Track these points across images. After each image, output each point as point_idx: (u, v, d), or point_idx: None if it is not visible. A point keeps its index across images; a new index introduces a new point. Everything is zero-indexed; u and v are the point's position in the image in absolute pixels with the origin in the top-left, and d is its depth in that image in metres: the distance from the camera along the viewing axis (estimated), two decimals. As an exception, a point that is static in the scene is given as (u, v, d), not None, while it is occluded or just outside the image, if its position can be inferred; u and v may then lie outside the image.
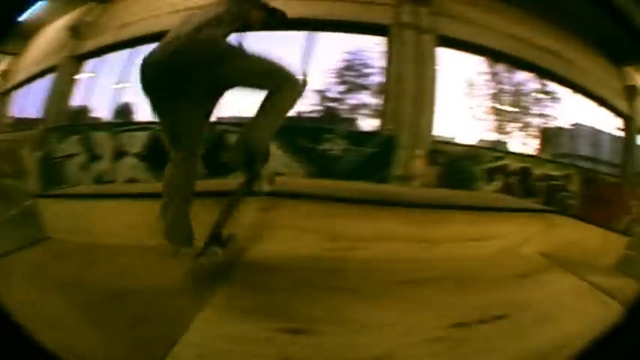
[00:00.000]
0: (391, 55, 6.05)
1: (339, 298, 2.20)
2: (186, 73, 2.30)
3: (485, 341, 2.06)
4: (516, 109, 7.67)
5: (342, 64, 6.41)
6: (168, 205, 2.48)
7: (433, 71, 6.08)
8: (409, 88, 5.85)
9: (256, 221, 2.96)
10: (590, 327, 2.58)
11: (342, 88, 6.39)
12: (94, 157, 5.37)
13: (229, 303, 2.10)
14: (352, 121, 6.36)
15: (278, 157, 5.13)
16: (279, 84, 2.43)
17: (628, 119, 10.35)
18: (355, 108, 6.31)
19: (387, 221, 3.17)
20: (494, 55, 7.43)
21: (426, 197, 4.42)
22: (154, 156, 5.24)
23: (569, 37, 8.78)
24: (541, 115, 8.10)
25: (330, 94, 6.38)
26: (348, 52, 6.44)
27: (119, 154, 5.38)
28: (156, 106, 2.45)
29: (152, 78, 2.37)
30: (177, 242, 2.50)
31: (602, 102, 9.61)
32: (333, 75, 6.43)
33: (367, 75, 6.26)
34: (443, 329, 2.04)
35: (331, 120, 6.29)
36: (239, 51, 2.51)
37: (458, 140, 6.70)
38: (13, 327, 0.98)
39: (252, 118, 2.49)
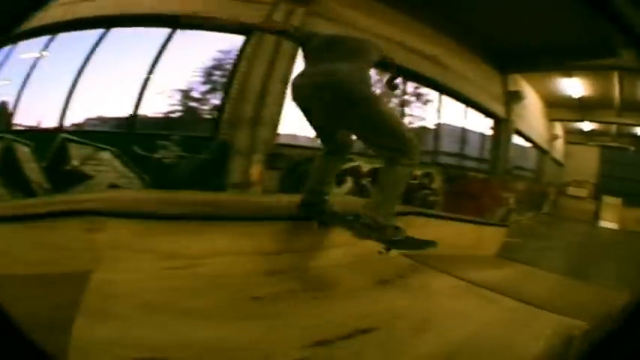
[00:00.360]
0: (242, 55, 6.26)
1: (189, 321, 2.14)
2: (323, 102, 3.02)
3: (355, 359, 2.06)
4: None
5: (208, 64, 6.62)
6: (313, 187, 3.54)
7: (288, 72, 6.34)
8: (254, 90, 6.14)
9: (88, 244, 2.91)
10: (479, 327, 2.72)
11: (204, 88, 6.54)
12: None
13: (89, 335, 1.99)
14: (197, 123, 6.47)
15: (114, 168, 5.48)
16: (397, 147, 2.90)
17: (502, 121, 12.15)
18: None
19: (224, 234, 3.26)
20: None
21: (262, 205, 4.61)
22: (6, 170, 5.38)
23: (451, 45, 10.49)
24: (408, 116, 9.14)
25: (193, 95, 6.52)
26: (219, 51, 6.72)
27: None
28: (304, 114, 3.31)
29: (298, 97, 3.23)
30: (311, 215, 3.48)
31: (476, 105, 11.24)
32: (195, 74, 6.60)
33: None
34: (305, 349, 2.02)
35: (169, 125, 6.31)
36: (372, 101, 3.02)
37: (304, 143, 6.98)
38: (13, 327, 1.07)
39: (373, 197, 3.14)
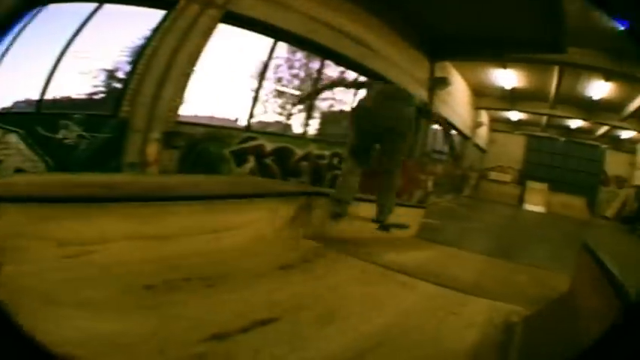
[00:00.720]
0: (153, 34, 6.16)
1: (86, 314, 2.04)
2: (381, 130, 4.43)
3: (255, 355, 1.94)
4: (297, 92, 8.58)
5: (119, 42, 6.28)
6: (341, 200, 4.53)
7: (196, 49, 6.47)
8: (159, 67, 6.12)
9: None
10: (396, 317, 2.58)
11: (114, 66, 6.27)
12: None
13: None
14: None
15: (20, 151, 5.33)
16: (399, 163, 4.53)
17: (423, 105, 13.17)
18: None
19: (118, 217, 3.10)
20: (291, 38, 8.27)
21: (157, 186, 4.42)
22: None
23: (383, 30, 10.97)
24: (326, 99, 9.48)
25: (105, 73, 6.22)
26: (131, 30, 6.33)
27: None
28: (356, 133, 4.66)
29: (362, 122, 4.59)
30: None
31: None
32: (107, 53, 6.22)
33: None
34: (201, 343, 1.92)
35: (79, 104, 6.01)
36: (410, 135, 4.60)
37: (204, 121, 7.12)
38: (14, 326, 1.08)
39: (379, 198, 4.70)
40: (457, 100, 17.62)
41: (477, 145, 22.81)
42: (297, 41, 8.44)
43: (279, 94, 8.33)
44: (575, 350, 1.17)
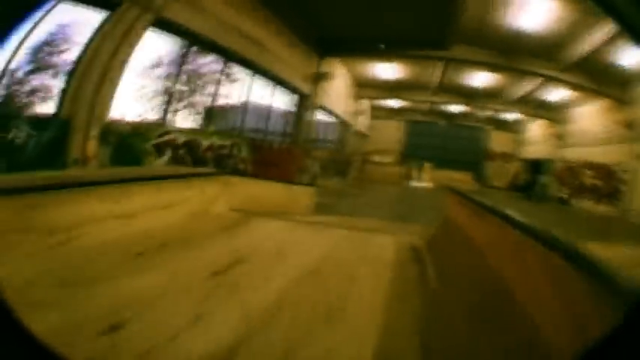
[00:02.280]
0: (98, 31, 6.65)
1: (106, 282, 2.34)
2: None
3: (247, 279, 2.64)
4: (190, 89, 9.61)
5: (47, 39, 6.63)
6: None
7: (130, 51, 7.12)
8: (96, 69, 6.58)
9: None
10: (327, 249, 3.61)
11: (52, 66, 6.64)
12: None
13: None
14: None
15: None
16: None
17: (306, 97, 14.72)
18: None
19: (95, 200, 3.49)
20: (203, 42, 9.33)
21: (111, 175, 4.55)
22: None
23: (276, 29, 12.14)
24: (217, 94, 10.49)
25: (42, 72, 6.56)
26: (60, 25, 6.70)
27: None
28: None
29: None
30: None
31: (285, 83, 13.52)
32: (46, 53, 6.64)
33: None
34: (210, 278, 2.56)
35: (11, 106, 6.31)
36: None
37: (129, 119, 7.93)
38: (16, 326, 1.07)
39: None
40: (339, 91, 19.32)
41: (358, 131, 25.00)
42: (208, 45, 9.63)
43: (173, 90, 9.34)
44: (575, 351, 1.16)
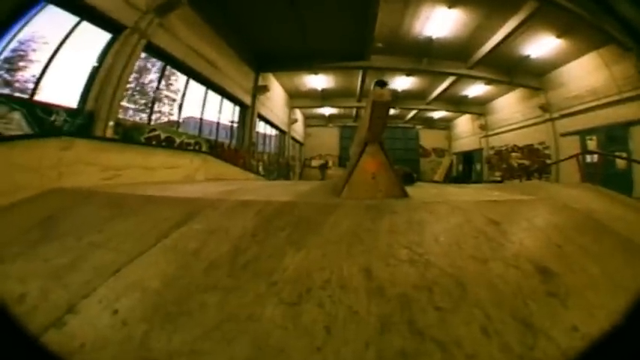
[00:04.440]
0: (108, 50, 9.14)
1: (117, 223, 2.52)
2: None
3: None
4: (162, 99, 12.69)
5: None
6: None
7: (132, 66, 9.71)
8: (114, 77, 9.07)
9: (60, 159, 3.99)
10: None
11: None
12: None
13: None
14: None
15: (21, 127, 7.16)
16: None
17: (247, 108, 18.24)
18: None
19: (134, 155, 5.22)
20: (172, 61, 12.50)
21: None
22: None
23: (225, 50, 15.41)
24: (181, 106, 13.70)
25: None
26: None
27: None
28: None
29: None
30: None
31: (232, 97, 16.90)
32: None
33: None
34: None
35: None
36: None
37: (129, 117, 10.82)
38: (14, 326, 1.18)
39: None
40: (275, 102, 22.66)
41: (294, 139, 27.92)
42: (178, 65, 12.88)
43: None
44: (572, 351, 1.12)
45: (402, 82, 22.67)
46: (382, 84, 3.09)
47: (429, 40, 16.45)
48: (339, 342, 1.24)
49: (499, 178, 22.33)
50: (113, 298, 1.60)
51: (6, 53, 7.39)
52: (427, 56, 18.21)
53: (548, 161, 19.16)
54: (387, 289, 1.51)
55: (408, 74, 20.65)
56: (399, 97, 25.15)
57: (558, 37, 15.26)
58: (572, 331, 1.23)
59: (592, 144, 16.40)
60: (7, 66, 7.51)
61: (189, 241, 2.10)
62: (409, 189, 3.62)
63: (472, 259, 1.73)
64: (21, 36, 7.60)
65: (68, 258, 2.01)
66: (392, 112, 27.42)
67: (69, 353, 1.28)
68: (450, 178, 28.18)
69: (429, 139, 33.63)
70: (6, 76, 7.48)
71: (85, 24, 8.75)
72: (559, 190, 4.16)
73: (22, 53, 7.69)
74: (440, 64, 18.83)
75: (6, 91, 7.40)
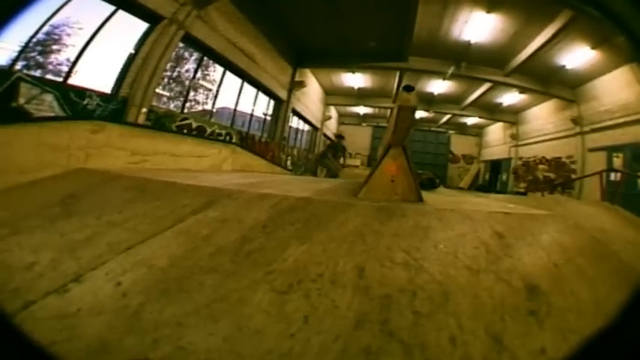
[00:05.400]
0: (145, 39, 9.51)
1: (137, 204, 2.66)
2: None
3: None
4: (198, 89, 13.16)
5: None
6: None
7: (169, 56, 10.21)
8: (150, 66, 9.52)
9: (89, 141, 4.21)
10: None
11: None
12: None
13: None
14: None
15: (52, 108, 7.50)
16: None
17: (283, 102, 18.42)
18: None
19: (162, 141, 5.37)
20: (210, 53, 12.80)
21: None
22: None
23: (264, 44, 15.64)
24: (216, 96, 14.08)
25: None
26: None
27: None
28: None
29: None
30: None
31: (266, 90, 17.09)
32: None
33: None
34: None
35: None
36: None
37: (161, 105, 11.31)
38: (12, 326, 1.12)
39: None
40: (310, 98, 22.77)
41: (326, 135, 27.95)
42: (215, 57, 13.21)
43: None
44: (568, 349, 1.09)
45: (438, 86, 22.48)
46: (409, 89, 3.13)
47: (467, 45, 16.36)
48: (312, 332, 1.30)
49: (523, 190, 21.87)
50: (119, 272, 1.70)
51: (39, 36, 7.60)
52: (465, 61, 18.10)
53: (574, 176, 18.63)
54: (374, 289, 1.57)
55: (445, 78, 20.28)
56: (434, 101, 25.05)
57: (593, 48, 14.76)
58: (539, 354, 1.23)
59: (618, 161, 15.82)
60: (40, 48, 7.69)
61: (202, 228, 2.19)
62: (428, 194, 3.65)
63: (466, 269, 1.75)
64: (55, 20, 7.80)
65: (85, 234, 2.13)
66: (425, 115, 27.82)
67: (60, 316, 1.36)
68: (476, 186, 27.79)
69: (459, 144, 33.09)
70: (39, 58, 7.68)
71: (121, 12, 9.05)
72: (576, 207, 4.14)
73: (55, 37, 7.92)
74: (477, 69, 18.64)
75: (38, 73, 7.64)
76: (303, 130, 24.40)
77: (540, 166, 22.28)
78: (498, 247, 2.01)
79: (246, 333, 1.31)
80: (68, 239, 2.08)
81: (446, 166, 32.64)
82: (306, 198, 2.81)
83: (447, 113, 28.13)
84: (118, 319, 1.39)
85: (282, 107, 19.26)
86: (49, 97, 7.60)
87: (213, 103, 13.92)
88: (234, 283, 1.61)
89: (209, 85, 13.67)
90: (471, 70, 18.73)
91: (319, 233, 2.11)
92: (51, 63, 7.96)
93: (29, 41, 7.44)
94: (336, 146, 13.27)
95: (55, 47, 7.97)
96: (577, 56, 15.70)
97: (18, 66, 7.30)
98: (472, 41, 16.02)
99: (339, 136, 14.17)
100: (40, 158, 3.77)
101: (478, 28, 14.85)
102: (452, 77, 20.02)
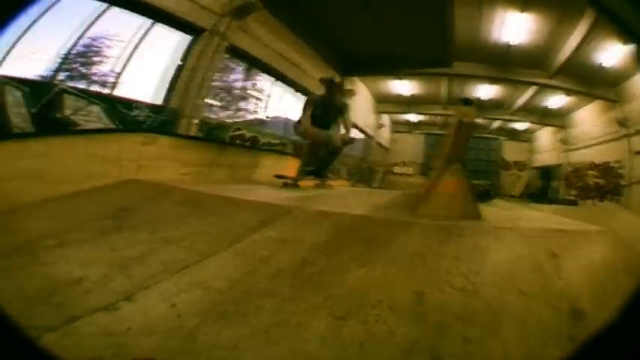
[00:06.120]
0: (189, 53, 9.56)
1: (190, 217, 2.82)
2: None
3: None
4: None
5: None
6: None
7: (215, 66, 10.22)
8: (198, 77, 9.53)
9: (140, 153, 4.36)
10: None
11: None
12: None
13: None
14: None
15: (100, 119, 7.63)
16: None
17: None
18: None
19: (211, 152, 5.65)
20: (256, 63, 12.83)
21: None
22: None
23: (309, 53, 15.45)
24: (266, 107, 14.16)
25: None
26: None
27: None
28: None
29: None
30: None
31: None
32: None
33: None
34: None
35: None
36: None
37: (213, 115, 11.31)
38: (11, 326, 1.12)
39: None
40: (361, 106, 22.31)
41: (380, 144, 27.79)
42: (262, 67, 13.18)
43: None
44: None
45: (485, 91, 21.85)
46: (468, 102, 3.04)
47: (507, 47, 15.97)
48: (366, 358, 1.30)
49: (573, 198, 21.39)
50: (174, 292, 1.69)
51: (79, 48, 7.69)
52: (508, 64, 17.50)
53: (623, 182, 17.72)
54: (430, 315, 1.56)
55: (492, 82, 19.99)
56: (483, 106, 24.12)
57: (625, 43, 13.79)
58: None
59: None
60: (81, 60, 7.79)
61: (261, 248, 2.20)
62: (485, 208, 3.62)
63: (519, 293, 1.75)
64: (91, 33, 7.87)
65: (138, 250, 2.13)
66: (477, 121, 26.57)
67: (107, 334, 1.37)
68: (528, 194, 27.33)
69: (511, 151, 32.11)
70: (82, 69, 7.77)
71: (160, 25, 9.18)
72: (626, 219, 4.11)
73: (95, 49, 8.02)
74: (521, 72, 18.05)
75: (82, 84, 7.72)
76: (356, 139, 23.92)
77: (590, 172, 21.28)
78: (552, 268, 2.05)
79: (301, 358, 1.31)
80: (120, 255, 2.08)
81: (498, 173, 31.72)
82: (364, 216, 2.81)
83: (496, 119, 27.66)
84: (171, 340, 1.37)
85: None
86: (95, 109, 7.65)
87: (264, 112, 13.98)
88: (293, 307, 1.60)
89: (259, 94, 13.36)
90: (516, 73, 18.20)
91: (379, 255, 2.10)
92: (95, 74, 8.04)
93: (68, 53, 7.51)
94: (327, 101, 6.58)
95: (96, 59, 8.06)
96: (612, 53, 14.89)
97: (60, 77, 7.35)
98: (512, 43, 15.62)
99: (332, 82, 6.81)
100: (90, 169, 3.91)
101: (514, 28, 14.52)
102: (498, 81, 19.60)
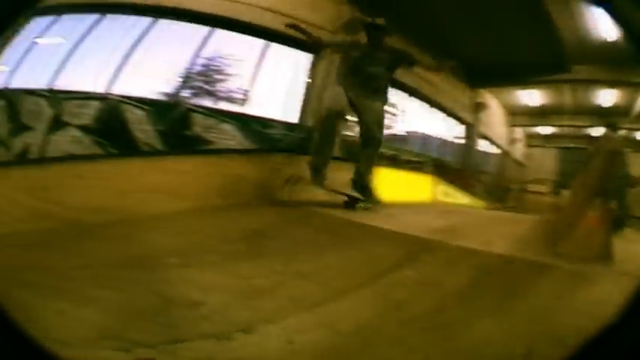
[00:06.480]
0: (316, 69, 8.88)
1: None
2: None
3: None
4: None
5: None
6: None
7: None
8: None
9: (278, 171, 4.69)
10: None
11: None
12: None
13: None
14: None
15: (234, 137, 7.44)
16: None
17: (470, 126, 17.81)
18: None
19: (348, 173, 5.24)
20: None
21: None
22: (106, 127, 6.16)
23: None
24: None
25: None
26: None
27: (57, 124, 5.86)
28: None
29: None
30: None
31: (453, 114, 16.81)
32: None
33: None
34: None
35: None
36: None
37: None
38: (11, 325, 1.10)
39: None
40: (494, 119, 21.39)
41: (515, 160, 26.20)
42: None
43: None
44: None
45: (606, 97, 19.64)
46: (614, 127, 2.84)
47: (615, 43, 14.05)
48: None
49: None
50: (295, 329, 1.63)
51: (197, 67, 7.79)
52: (622, 63, 15.53)
53: None
54: None
55: (611, 86, 17.95)
56: (604, 114, 21.90)
57: None
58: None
59: None
60: (203, 79, 7.86)
61: (398, 290, 2.14)
62: (618, 244, 3.35)
63: None
64: (206, 52, 7.88)
65: (268, 281, 2.10)
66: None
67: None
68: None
69: (638, 165, 28.41)
70: (207, 87, 7.87)
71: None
72: None
73: (215, 68, 8.00)
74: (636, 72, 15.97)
75: (207, 102, 7.81)
76: (489, 154, 23.22)
77: None
78: None
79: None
80: (248, 284, 2.05)
81: (624, 191, 28.06)
82: (507, 257, 2.76)
83: (620, 128, 24.41)
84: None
85: (469, 131, 18.48)
86: (227, 127, 7.58)
87: (401, 128, 13.48)
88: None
89: (394, 110, 13.40)
90: (630, 74, 16.13)
91: (515, 305, 2.03)
92: (221, 92, 8.07)
93: (188, 72, 7.63)
94: (370, 54, 5.10)
95: (218, 77, 8.07)
96: None
97: (185, 94, 7.51)
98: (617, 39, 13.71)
99: (374, 26, 5.27)
100: (223, 187, 3.96)
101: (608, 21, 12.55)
102: (615, 85, 17.05)
